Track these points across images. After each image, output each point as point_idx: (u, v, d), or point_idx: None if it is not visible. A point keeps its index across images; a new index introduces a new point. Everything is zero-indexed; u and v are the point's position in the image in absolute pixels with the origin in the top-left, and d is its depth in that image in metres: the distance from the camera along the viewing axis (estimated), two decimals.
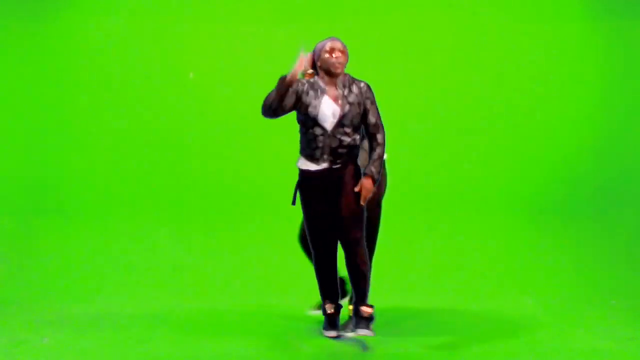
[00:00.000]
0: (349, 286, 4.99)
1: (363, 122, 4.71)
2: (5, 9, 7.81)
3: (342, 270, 4.81)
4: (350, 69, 4.87)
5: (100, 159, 7.81)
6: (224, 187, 7.76)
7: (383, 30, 7.83)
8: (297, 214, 5.15)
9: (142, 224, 7.50)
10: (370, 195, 4.64)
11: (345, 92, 4.67)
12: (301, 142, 4.73)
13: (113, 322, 5.15)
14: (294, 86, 4.59)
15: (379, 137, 4.70)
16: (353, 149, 4.68)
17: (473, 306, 5.61)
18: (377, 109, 4.73)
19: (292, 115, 5.08)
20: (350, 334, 4.80)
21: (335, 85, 4.69)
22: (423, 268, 6.69)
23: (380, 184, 4.86)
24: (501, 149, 7.85)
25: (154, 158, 7.80)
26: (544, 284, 6.27)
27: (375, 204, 4.89)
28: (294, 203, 4.79)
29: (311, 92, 4.65)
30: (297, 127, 4.84)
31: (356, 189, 4.63)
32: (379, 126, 4.71)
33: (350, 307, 4.98)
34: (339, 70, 4.67)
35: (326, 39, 4.74)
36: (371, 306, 4.73)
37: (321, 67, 4.70)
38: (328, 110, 4.62)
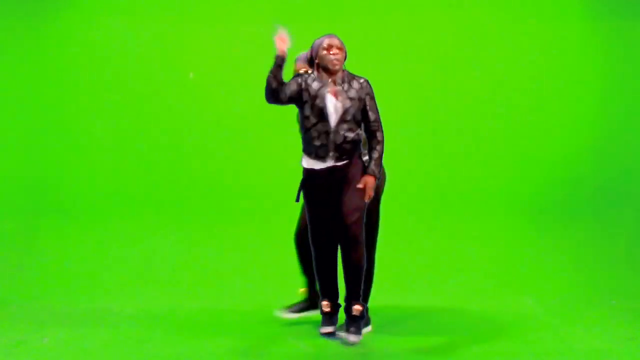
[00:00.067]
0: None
1: (363, 118, 4.71)
2: (5, 8, 7.81)
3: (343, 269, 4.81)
4: (350, 69, 4.86)
5: (100, 159, 7.81)
6: (224, 187, 7.76)
7: (383, 30, 7.83)
8: (297, 214, 5.15)
9: (142, 223, 7.50)
10: (372, 193, 4.66)
11: (345, 87, 4.67)
12: (304, 141, 4.72)
13: (113, 322, 5.15)
14: (285, 55, 4.57)
15: (378, 135, 4.71)
16: (357, 144, 4.68)
17: (473, 306, 5.60)
18: (376, 105, 4.74)
19: (292, 115, 5.09)
20: (342, 335, 4.81)
21: (334, 81, 4.68)
22: (423, 268, 6.69)
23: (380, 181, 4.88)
24: (501, 149, 7.85)
25: (154, 158, 7.81)
26: (544, 284, 6.26)
27: (374, 201, 4.89)
28: (297, 200, 4.79)
29: (315, 84, 4.65)
30: (297, 126, 4.84)
31: (359, 186, 4.63)
32: (378, 123, 4.72)
33: (302, 290, 5.09)
34: (337, 67, 4.67)
35: (323, 35, 4.73)
36: (362, 305, 4.74)
37: (319, 64, 4.70)
38: (330, 106, 4.62)
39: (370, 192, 4.65)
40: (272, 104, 4.67)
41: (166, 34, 7.84)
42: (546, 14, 7.87)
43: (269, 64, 4.60)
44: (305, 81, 4.67)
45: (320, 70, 4.70)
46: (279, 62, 4.57)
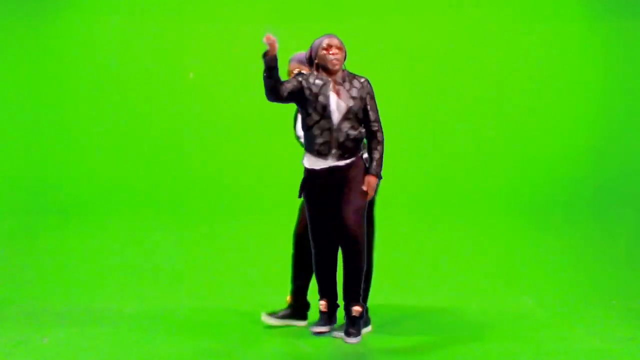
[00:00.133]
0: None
1: (364, 117, 4.71)
2: (5, 8, 7.81)
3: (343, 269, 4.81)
4: (350, 69, 4.86)
5: (101, 159, 7.81)
6: (224, 187, 7.76)
7: (383, 30, 7.83)
8: (297, 214, 5.14)
9: (142, 223, 7.50)
10: (373, 193, 4.67)
11: (347, 86, 4.67)
12: (306, 139, 4.71)
13: (113, 322, 5.15)
14: (275, 56, 4.50)
15: (379, 135, 4.71)
16: (359, 142, 4.68)
17: (473, 306, 5.60)
18: (376, 105, 4.74)
19: (291, 115, 5.08)
20: (342, 336, 4.81)
21: (335, 81, 4.68)
22: (423, 268, 6.69)
23: None
24: (501, 148, 7.85)
25: (154, 158, 7.81)
26: (544, 284, 6.26)
27: (370, 202, 4.89)
28: (300, 196, 4.79)
29: (317, 82, 4.65)
30: (294, 130, 4.84)
31: (364, 188, 4.64)
32: (378, 123, 4.72)
33: (288, 298, 5.09)
34: (336, 67, 4.67)
35: (323, 35, 4.73)
36: (362, 305, 4.75)
37: (319, 64, 4.70)
38: (333, 104, 4.62)
39: (371, 193, 4.66)
40: (272, 102, 4.65)
41: (166, 34, 7.84)
42: (546, 14, 7.87)
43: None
44: (306, 79, 4.67)
45: (320, 70, 4.70)
46: (272, 64, 4.48)
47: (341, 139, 4.62)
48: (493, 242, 7.26)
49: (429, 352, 4.56)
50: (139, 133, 7.82)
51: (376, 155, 4.70)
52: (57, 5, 7.90)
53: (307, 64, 4.89)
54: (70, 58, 7.85)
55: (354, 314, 4.74)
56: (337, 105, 4.63)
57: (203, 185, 7.77)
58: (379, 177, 4.68)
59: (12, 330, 4.99)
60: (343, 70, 4.73)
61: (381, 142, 4.72)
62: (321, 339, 4.81)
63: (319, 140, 4.63)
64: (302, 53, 4.99)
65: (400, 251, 6.97)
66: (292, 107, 4.94)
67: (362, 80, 4.73)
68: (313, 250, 4.81)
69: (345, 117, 4.62)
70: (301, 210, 5.04)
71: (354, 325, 4.76)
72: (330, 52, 4.65)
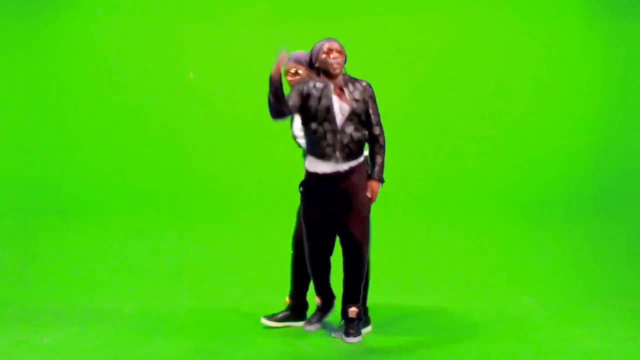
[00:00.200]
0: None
1: (366, 120, 4.71)
2: (5, 8, 7.81)
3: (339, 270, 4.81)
4: (350, 70, 4.87)
5: (101, 159, 7.81)
6: (224, 187, 7.76)
7: (383, 30, 7.83)
8: (296, 214, 5.15)
9: (142, 224, 7.50)
10: (376, 198, 4.70)
11: (350, 89, 4.68)
12: (308, 141, 4.71)
13: (113, 322, 5.15)
14: (280, 78, 4.51)
15: (380, 139, 4.73)
16: (362, 144, 4.69)
17: (473, 306, 5.60)
18: (377, 109, 4.75)
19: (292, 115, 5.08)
20: (342, 337, 4.81)
21: (336, 84, 4.69)
22: (423, 268, 6.69)
23: None
24: (501, 149, 7.85)
25: (154, 158, 7.81)
26: (544, 284, 6.26)
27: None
28: (300, 189, 4.79)
29: (318, 85, 4.65)
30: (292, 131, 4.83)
31: (368, 194, 4.66)
32: (380, 127, 4.73)
33: (287, 299, 5.11)
34: (337, 71, 4.67)
35: (324, 39, 4.73)
36: (359, 307, 4.76)
37: (319, 68, 4.70)
38: (336, 107, 4.62)
39: (375, 198, 4.69)
40: (278, 121, 4.62)
41: (166, 33, 7.83)
42: (546, 14, 7.86)
43: (269, 65, 4.58)
44: (307, 86, 4.66)
45: (321, 74, 4.71)
46: (278, 84, 4.43)
47: (345, 141, 4.63)
48: (493, 242, 7.26)
49: (429, 352, 4.56)
50: (139, 133, 7.82)
51: (379, 159, 4.71)
52: (57, 5, 7.90)
53: (306, 66, 4.89)
54: (70, 58, 7.85)
55: (350, 315, 4.76)
56: (340, 107, 4.63)
57: (203, 185, 7.77)
58: (382, 181, 4.70)
59: (12, 330, 4.99)
60: (344, 74, 4.74)
61: (383, 146, 4.74)
62: (321, 339, 4.82)
63: (323, 143, 4.63)
64: (300, 52, 4.98)
65: (400, 251, 6.97)
66: None
67: (364, 84, 4.75)
68: (307, 251, 4.81)
69: (349, 119, 4.63)
70: (298, 215, 5.03)
71: (352, 325, 4.77)
72: (331, 56, 4.66)
